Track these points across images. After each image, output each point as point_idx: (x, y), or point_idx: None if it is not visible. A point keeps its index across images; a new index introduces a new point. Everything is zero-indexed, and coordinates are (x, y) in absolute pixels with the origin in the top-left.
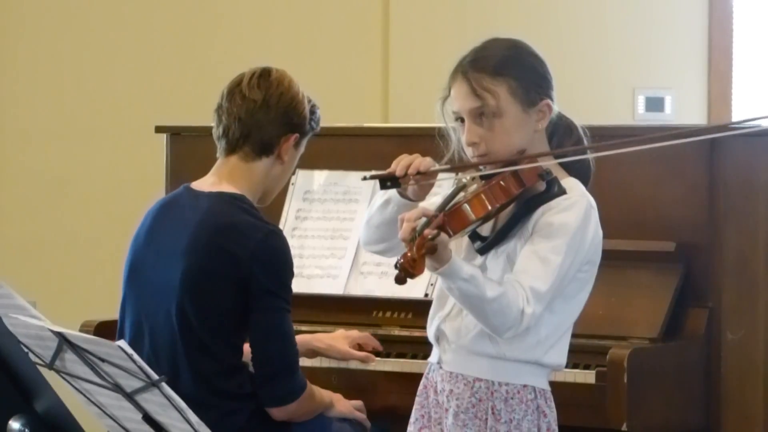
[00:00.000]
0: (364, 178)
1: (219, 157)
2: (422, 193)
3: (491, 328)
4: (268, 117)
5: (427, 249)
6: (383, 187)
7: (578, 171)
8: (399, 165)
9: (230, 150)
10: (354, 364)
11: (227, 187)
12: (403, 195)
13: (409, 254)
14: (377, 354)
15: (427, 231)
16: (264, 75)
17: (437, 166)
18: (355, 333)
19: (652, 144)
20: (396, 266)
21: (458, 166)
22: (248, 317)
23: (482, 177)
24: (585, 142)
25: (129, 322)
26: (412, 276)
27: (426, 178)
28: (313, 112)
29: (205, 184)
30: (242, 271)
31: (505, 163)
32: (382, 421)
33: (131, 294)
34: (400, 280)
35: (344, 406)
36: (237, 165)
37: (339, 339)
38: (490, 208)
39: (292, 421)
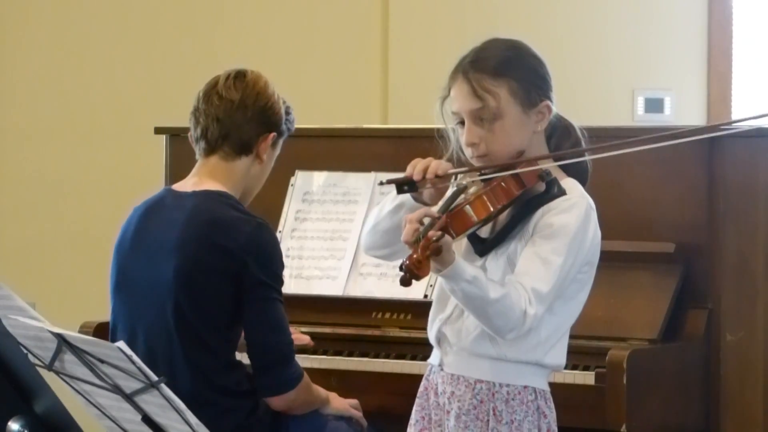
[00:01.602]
0: (381, 183)
1: (198, 159)
2: (438, 196)
3: (494, 329)
4: (245, 116)
5: (432, 250)
6: (400, 191)
7: (576, 171)
8: (416, 169)
9: (210, 150)
10: (353, 365)
11: (210, 186)
12: (418, 199)
13: (414, 256)
14: (378, 355)
15: (431, 232)
16: (239, 76)
17: (454, 169)
18: None
19: (649, 145)
20: (401, 268)
21: (475, 168)
22: (242, 309)
23: (483, 179)
24: (583, 143)
25: (122, 325)
26: (418, 278)
27: (443, 181)
28: (287, 112)
29: (188, 184)
30: (235, 263)
31: (506, 165)
32: (380, 423)
33: (122, 298)
34: (405, 281)
35: (340, 403)
36: (217, 164)
37: None
38: (492, 209)
39: (291, 412)
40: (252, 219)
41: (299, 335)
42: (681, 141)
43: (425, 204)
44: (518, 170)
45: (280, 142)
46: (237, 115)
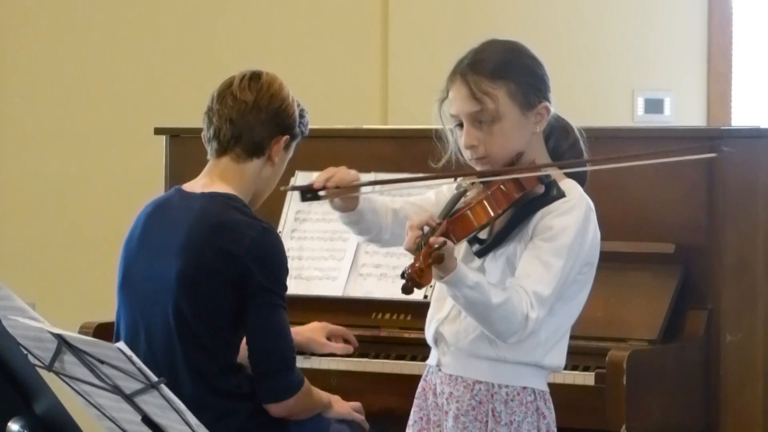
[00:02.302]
0: (283, 189)
1: (210, 159)
2: (347, 204)
3: (496, 333)
4: (259, 118)
5: (434, 258)
6: (304, 199)
7: (575, 173)
8: (319, 177)
9: (222, 151)
10: (352, 366)
11: (219, 188)
12: (333, 206)
13: (416, 264)
14: (378, 355)
15: (432, 239)
16: (254, 78)
17: (360, 181)
18: (330, 325)
19: (651, 160)
20: (403, 276)
21: (382, 181)
22: (244, 314)
23: (482, 181)
24: (581, 143)
25: (124, 324)
26: (420, 286)
27: (346, 192)
28: (302, 115)
29: (197, 185)
30: (238, 268)
31: (463, 174)
32: (380, 423)
33: (126, 298)
34: (407, 290)
35: (343, 407)
36: (228, 166)
37: (317, 331)
38: (492, 213)
39: (291, 418)
40: (257, 223)
41: (343, 345)
42: (681, 143)
43: (339, 210)
44: (474, 180)
45: (293, 145)
46: (250, 116)
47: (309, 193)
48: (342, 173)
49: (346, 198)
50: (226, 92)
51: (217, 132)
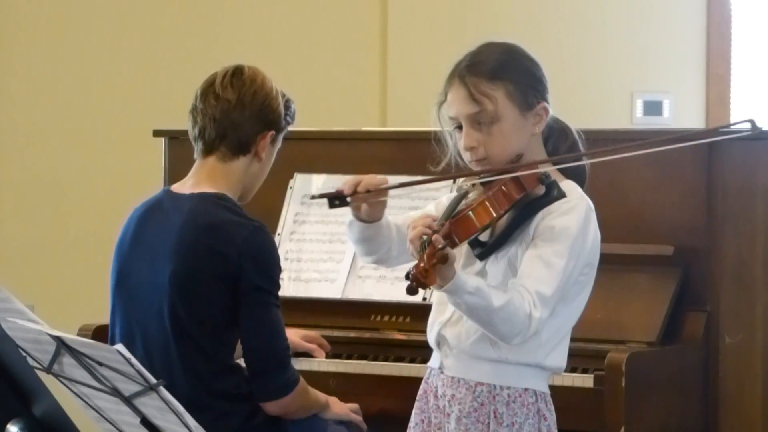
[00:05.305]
0: (313, 197)
1: (197, 159)
2: (374, 212)
3: (500, 336)
4: (243, 116)
5: (438, 259)
6: (332, 206)
7: (574, 174)
8: (347, 183)
9: (207, 151)
10: (351, 368)
11: (207, 188)
12: (358, 217)
13: (421, 265)
14: (377, 357)
15: (435, 238)
16: (237, 74)
17: (388, 184)
18: (303, 331)
19: (647, 150)
20: (407, 277)
21: (411, 182)
22: (238, 314)
23: (482, 183)
24: (579, 145)
25: (119, 327)
26: (424, 286)
27: (375, 196)
28: (287, 107)
29: (186, 186)
30: (231, 268)
31: (477, 173)
32: (379, 426)
33: (120, 300)
34: (411, 290)
35: (340, 408)
36: (215, 166)
37: (293, 333)
38: (494, 214)
39: (287, 417)
40: (249, 222)
41: (316, 346)
42: (680, 144)
43: (365, 221)
44: (484, 179)
45: (280, 137)
46: (234, 114)
47: (337, 200)
48: (368, 178)
49: (373, 204)
50: (208, 90)
51: (202, 131)
